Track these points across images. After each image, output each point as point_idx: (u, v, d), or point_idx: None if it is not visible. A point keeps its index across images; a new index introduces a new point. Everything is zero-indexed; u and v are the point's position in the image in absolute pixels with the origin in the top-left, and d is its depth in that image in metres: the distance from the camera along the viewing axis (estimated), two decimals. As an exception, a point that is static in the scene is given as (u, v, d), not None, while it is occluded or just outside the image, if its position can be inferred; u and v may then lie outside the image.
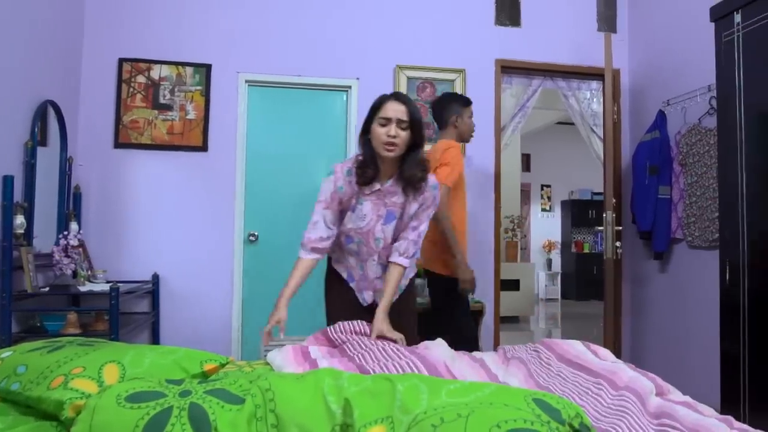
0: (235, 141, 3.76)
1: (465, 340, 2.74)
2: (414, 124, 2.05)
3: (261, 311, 3.72)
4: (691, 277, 3.62)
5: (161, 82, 3.66)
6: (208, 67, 3.72)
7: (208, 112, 3.71)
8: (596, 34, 4.26)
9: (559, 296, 9.94)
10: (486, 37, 4.13)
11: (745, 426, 1.26)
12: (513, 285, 7.12)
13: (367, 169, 2.09)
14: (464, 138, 3.11)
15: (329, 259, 2.40)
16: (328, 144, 3.93)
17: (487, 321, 3.94)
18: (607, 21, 4.34)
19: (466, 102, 3.11)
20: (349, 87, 3.91)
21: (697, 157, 3.55)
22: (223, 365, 1.55)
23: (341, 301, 2.32)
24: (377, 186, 2.12)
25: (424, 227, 2.23)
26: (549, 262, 10.25)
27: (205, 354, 1.54)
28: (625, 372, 1.58)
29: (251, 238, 3.78)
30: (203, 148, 3.70)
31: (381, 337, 2.02)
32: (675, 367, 3.76)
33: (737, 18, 2.64)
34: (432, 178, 2.19)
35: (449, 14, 4.09)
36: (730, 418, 1.30)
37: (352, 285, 2.32)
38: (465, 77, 4.03)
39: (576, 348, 1.89)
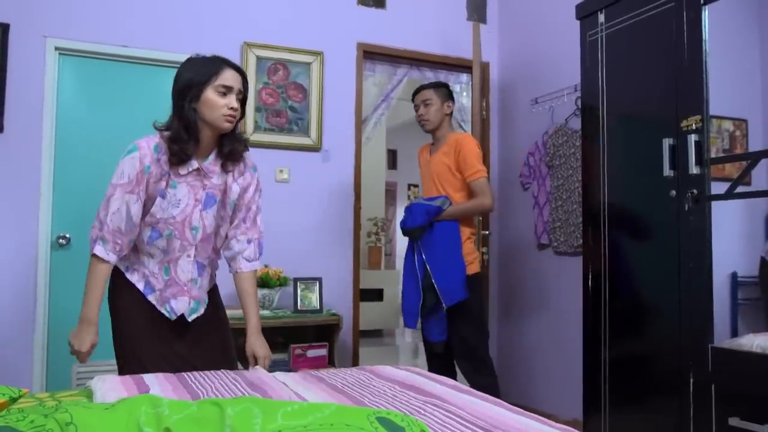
0: (40, 121, 3.49)
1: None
2: (245, 97, 2.10)
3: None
4: (557, 283, 3.96)
5: (-61, 43, 3.32)
6: (4, 27, 3.42)
7: (3, 83, 3.41)
8: (466, 24, 4.52)
9: (426, 307, 10.31)
10: (347, 17, 4.21)
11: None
12: (376, 295, 7.29)
13: (187, 145, 1.99)
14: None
15: (114, 270, 2.13)
16: (161, 130, 3.79)
17: (345, 336, 4.02)
18: (477, 10, 4.62)
19: None
20: (188, 64, 3.79)
21: (563, 159, 3.89)
22: (14, 399, 1.44)
23: (142, 321, 2.08)
24: (195, 165, 2.05)
25: (260, 219, 2.24)
26: (416, 270, 10.60)
27: (-11, 386, 1.43)
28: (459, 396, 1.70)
29: (61, 241, 3.53)
30: (-3, 128, 3.40)
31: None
32: (538, 376, 4.09)
33: (601, 18, 2.94)
34: (251, 160, 2.21)
35: (306, -12, 4.12)
36: (547, 421, 1.43)
37: (150, 298, 2.11)
38: (323, 61, 4.08)
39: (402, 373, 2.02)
